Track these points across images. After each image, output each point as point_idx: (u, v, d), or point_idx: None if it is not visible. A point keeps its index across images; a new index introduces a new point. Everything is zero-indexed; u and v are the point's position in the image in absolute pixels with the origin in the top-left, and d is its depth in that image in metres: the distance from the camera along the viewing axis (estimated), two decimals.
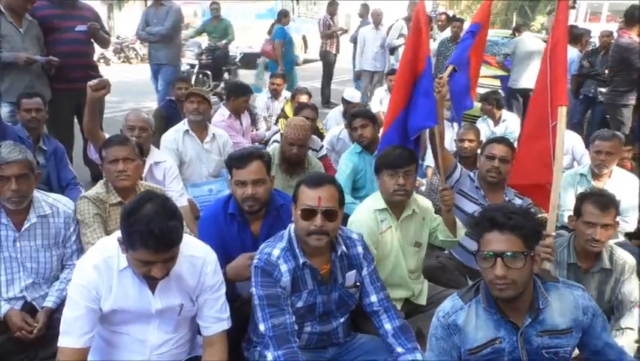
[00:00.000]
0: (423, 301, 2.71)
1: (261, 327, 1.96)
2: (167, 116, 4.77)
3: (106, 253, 1.81)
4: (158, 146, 3.77)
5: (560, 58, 2.57)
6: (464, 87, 2.98)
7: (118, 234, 1.76)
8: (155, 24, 6.38)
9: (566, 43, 2.65)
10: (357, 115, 3.87)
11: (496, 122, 5.38)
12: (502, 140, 3.04)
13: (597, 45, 7.27)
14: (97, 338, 1.87)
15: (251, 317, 2.16)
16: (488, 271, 1.69)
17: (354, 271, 2.14)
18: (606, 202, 2.41)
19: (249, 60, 11.68)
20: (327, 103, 9.33)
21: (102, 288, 1.79)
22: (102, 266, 1.79)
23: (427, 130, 2.82)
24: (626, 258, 2.49)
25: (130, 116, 3.49)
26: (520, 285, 1.68)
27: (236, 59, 10.43)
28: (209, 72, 9.27)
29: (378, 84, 8.22)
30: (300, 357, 1.92)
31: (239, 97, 4.79)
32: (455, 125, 4.96)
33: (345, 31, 9.85)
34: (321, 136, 4.82)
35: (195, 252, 1.92)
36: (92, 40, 4.63)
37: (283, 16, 8.86)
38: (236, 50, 10.88)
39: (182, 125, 3.98)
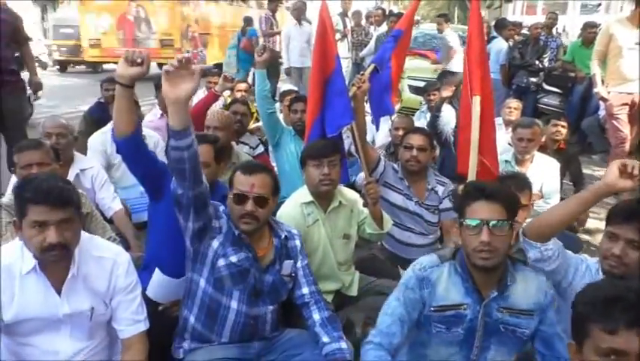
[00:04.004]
0: (354, 292, 2.73)
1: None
2: (97, 119, 4.59)
3: (7, 260, 1.73)
4: (86, 150, 3.63)
5: (475, 51, 2.68)
6: (384, 88, 3.03)
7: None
8: None
9: (481, 38, 2.77)
10: (299, 99, 3.88)
11: None
12: (419, 130, 3.12)
13: (528, 37, 7.55)
14: (5, 353, 1.78)
15: (180, 312, 2.17)
16: (473, 239, 1.70)
17: (292, 261, 2.21)
18: (521, 184, 2.53)
19: None
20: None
21: (3, 296, 1.70)
22: (3, 273, 1.71)
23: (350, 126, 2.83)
24: None
25: (47, 123, 3.28)
26: (502, 253, 1.71)
27: None
28: None
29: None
30: None
31: None
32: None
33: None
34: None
35: (104, 253, 1.87)
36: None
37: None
38: None
39: (110, 126, 3.85)
